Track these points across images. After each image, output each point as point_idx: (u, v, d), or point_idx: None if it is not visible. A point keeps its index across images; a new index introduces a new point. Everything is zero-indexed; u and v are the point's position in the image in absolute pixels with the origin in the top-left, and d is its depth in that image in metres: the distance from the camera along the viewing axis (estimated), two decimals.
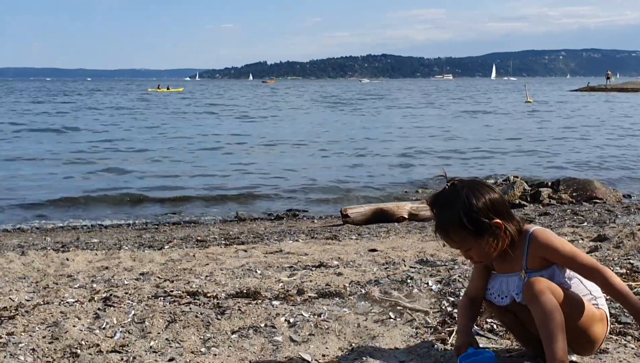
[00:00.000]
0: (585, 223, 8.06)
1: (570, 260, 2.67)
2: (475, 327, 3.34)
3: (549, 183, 12.35)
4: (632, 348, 3.06)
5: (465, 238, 2.68)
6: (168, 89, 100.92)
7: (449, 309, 3.68)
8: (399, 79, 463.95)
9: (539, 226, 2.79)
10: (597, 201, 11.32)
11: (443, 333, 3.27)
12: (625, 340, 3.22)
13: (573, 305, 2.66)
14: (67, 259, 5.94)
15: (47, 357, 3.03)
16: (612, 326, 3.40)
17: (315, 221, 10.85)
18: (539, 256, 2.70)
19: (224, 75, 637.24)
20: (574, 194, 11.68)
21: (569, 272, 2.74)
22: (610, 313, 3.57)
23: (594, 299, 2.77)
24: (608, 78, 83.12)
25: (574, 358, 2.88)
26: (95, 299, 4.07)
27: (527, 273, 2.71)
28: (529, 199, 11.48)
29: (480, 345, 2.95)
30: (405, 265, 5.01)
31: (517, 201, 11.34)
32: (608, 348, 3.03)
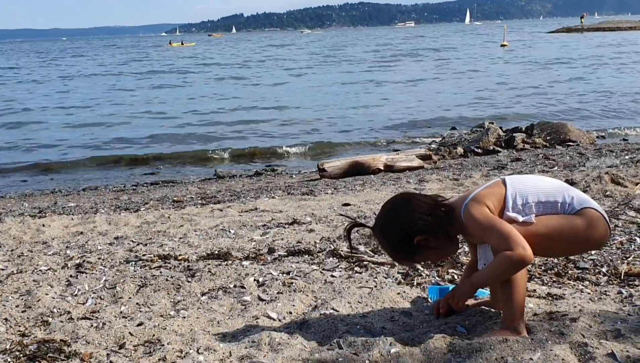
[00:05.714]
0: (556, 168, 8.16)
1: (487, 234, 2.56)
2: (437, 277, 3.45)
3: (523, 128, 12.45)
4: (588, 294, 3.16)
5: (411, 262, 2.94)
6: (182, 44, 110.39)
7: None
8: (377, 27, 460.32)
9: (472, 197, 2.64)
10: (571, 143, 11.46)
11: (406, 286, 3.36)
12: (582, 285, 3.32)
13: (547, 235, 2.56)
14: (43, 225, 5.95)
15: (19, 326, 3.08)
16: (570, 272, 3.52)
17: (294, 176, 10.91)
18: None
19: (201, 29, 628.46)
20: (547, 138, 11.80)
21: (518, 208, 2.60)
22: (567, 258, 3.69)
23: (566, 206, 2.61)
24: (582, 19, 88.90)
25: (531, 305, 2.98)
26: (69, 266, 4.11)
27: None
28: (503, 145, 11.58)
29: None
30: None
31: (492, 148, 11.45)
32: (565, 294, 3.13)
